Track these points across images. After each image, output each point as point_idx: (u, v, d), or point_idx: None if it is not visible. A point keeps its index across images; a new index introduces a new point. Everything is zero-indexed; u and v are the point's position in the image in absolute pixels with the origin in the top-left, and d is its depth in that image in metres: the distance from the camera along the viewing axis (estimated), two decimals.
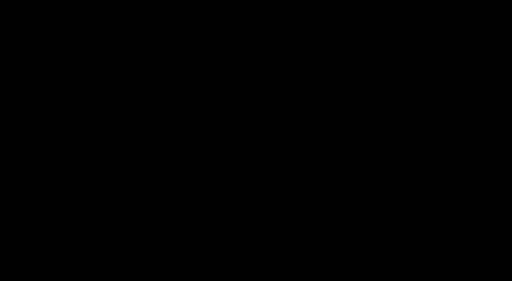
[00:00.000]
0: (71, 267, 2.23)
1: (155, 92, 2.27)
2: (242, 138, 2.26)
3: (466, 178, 2.20)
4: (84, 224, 2.25)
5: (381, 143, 2.22)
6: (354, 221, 2.23)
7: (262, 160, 2.25)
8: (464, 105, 2.21)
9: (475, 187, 2.21)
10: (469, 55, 2.20)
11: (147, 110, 2.27)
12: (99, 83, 2.26)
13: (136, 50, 2.26)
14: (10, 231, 2.24)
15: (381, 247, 2.21)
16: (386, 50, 2.22)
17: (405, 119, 2.22)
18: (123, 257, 2.24)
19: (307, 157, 2.25)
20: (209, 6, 2.26)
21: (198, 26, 2.26)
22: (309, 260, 2.22)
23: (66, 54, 2.25)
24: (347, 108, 2.24)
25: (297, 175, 2.25)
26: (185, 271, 2.24)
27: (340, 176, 2.24)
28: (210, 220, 2.25)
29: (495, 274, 2.16)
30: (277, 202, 2.25)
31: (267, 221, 2.25)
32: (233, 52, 2.26)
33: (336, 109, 2.24)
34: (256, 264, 2.23)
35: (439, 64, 2.22)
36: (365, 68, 2.23)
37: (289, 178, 2.25)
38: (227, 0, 2.26)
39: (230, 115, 2.25)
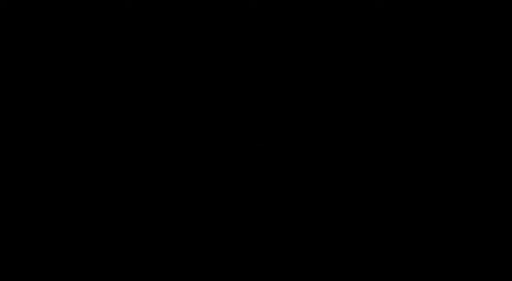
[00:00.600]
0: (71, 267, 2.23)
1: (155, 92, 2.27)
2: (242, 138, 2.26)
3: (465, 177, 2.20)
4: (84, 224, 2.24)
5: (380, 143, 2.22)
6: (354, 221, 2.23)
7: (262, 160, 2.25)
8: (464, 105, 2.21)
9: (474, 187, 2.21)
10: (469, 55, 2.20)
11: (147, 110, 2.27)
12: (99, 83, 2.26)
13: (136, 50, 2.26)
14: (10, 231, 2.24)
15: (380, 247, 2.21)
16: (386, 50, 2.22)
17: (405, 119, 2.22)
18: (123, 257, 2.24)
19: (307, 157, 2.24)
20: (209, 6, 2.26)
21: (198, 26, 2.26)
22: (309, 260, 2.22)
23: (66, 54, 2.25)
24: (347, 108, 2.23)
25: (297, 175, 2.24)
26: (185, 271, 2.24)
27: (340, 175, 2.24)
28: (210, 219, 2.25)
29: (495, 274, 2.16)
30: (277, 201, 2.25)
31: (267, 221, 2.24)
32: (233, 52, 2.26)
33: (336, 109, 2.24)
34: (256, 264, 2.23)
35: (439, 64, 2.21)
36: (365, 68, 2.23)
37: (289, 178, 2.25)
38: (227, 0, 2.26)
39: (230, 115, 2.25)
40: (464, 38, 2.20)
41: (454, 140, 2.20)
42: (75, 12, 2.25)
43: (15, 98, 2.24)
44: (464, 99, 2.21)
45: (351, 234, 2.22)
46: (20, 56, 2.24)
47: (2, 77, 2.25)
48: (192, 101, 2.26)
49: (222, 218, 2.25)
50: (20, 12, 2.24)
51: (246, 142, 2.25)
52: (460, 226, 2.20)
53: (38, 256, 2.23)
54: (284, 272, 2.22)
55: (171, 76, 2.26)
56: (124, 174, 2.25)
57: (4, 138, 2.24)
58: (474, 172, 2.20)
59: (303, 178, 2.24)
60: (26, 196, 2.24)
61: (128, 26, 2.25)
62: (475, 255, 2.18)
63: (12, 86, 2.24)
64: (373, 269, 2.20)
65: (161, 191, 2.25)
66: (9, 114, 2.25)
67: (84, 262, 2.23)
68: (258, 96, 2.24)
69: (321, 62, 2.24)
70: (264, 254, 2.23)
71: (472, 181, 2.20)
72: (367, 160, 2.23)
